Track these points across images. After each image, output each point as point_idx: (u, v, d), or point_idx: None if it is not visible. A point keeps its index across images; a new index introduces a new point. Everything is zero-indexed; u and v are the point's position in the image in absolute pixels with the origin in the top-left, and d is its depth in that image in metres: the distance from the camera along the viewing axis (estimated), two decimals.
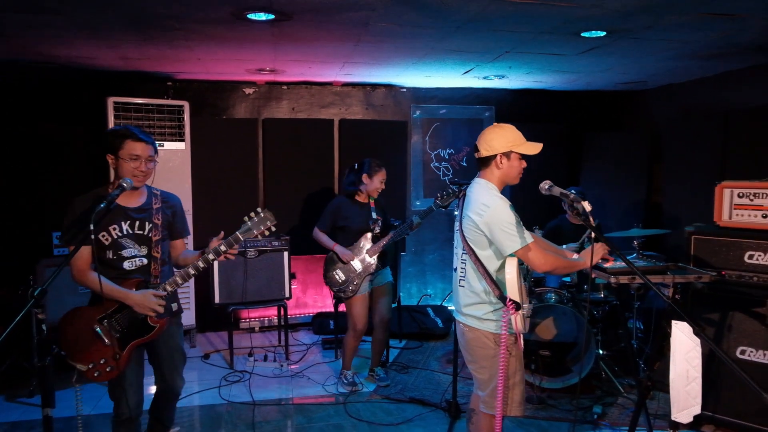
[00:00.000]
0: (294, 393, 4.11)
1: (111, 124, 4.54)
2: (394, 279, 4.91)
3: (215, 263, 4.02)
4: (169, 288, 2.64)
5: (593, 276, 3.32)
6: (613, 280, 2.95)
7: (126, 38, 3.68)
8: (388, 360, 4.64)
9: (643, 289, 3.59)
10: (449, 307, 5.84)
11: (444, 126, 6.14)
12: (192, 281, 4.61)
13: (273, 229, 2.66)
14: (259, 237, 2.68)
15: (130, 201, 2.65)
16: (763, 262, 3.28)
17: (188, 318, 4.91)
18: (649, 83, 5.48)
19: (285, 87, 5.73)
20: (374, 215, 4.06)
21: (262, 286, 4.77)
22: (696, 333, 1.79)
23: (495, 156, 2.53)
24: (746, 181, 3.38)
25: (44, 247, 4.53)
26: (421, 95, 6.04)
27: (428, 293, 6.20)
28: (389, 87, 5.95)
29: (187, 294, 4.92)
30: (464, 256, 2.60)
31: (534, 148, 2.55)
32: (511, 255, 2.44)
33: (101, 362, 2.54)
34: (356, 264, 3.99)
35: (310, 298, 5.79)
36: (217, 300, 4.67)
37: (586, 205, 2.29)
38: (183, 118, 4.85)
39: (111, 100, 4.57)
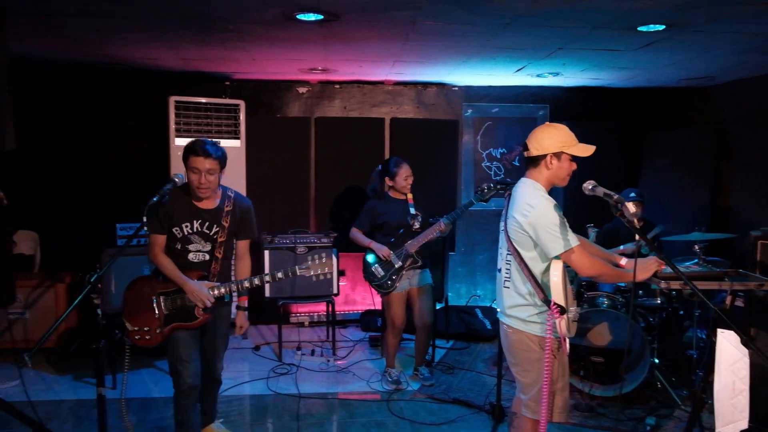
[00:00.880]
0: (339, 388, 4.17)
1: (172, 122, 4.77)
2: (442, 277, 4.89)
3: (266, 262, 4.78)
4: (223, 290, 2.89)
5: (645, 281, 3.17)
6: (663, 285, 2.83)
7: (184, 39, 3.84)
8: (434, 360, 4.63)
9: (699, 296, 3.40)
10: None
11: (496, 125, 6.04)
12: None
13: (328, 276, 2.97)
14: (314, 278, 3.03)
15: (206, 203, 2.91)
16: None
17: None
18: (717, 79, 5.18)
19: (337, 86, 5.81)
20: (413, 211, 4.05)
21: (310, 282, 4.79)
22: (744, 343, 1.68)
23: (545, 156, 2.47)
24: None
25: (109, 237, 4.80)
26: (472, 94, 5.97)
27: (477, 294, 6.13)
28: (440, 86, 5.91)
29: None
30: (509, 257, 2.55)
31: (586, 150, 2.48)
32: (556, 257, 2.38)
33: (145, 329, 2.83)
34: (394, 259, 3.99)
35: (359, 295, 5.85)
36: (267, 294, 4.80)
37: (631, 207, 2.19)
38: (239, 116, 5.01)
39: (172, 99, 4.78)
